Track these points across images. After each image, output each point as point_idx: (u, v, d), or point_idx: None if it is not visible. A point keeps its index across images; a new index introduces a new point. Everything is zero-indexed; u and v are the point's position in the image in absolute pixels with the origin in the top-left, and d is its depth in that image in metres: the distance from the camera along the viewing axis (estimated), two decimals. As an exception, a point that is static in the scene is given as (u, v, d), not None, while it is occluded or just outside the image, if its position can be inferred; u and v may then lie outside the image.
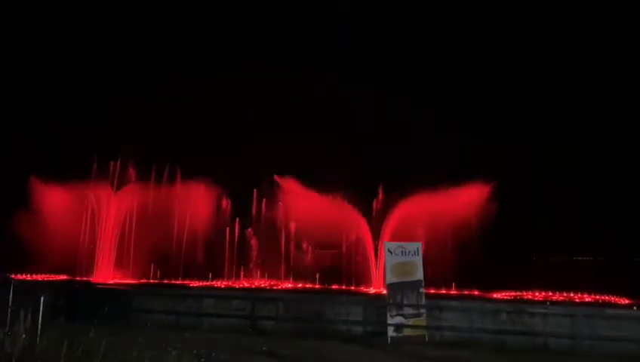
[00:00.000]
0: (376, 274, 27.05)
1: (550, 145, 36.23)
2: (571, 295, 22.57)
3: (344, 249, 28.72)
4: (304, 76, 40.23)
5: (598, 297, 21.90)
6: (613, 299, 21.35)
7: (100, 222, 29.03)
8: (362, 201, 28.91)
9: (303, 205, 29.15)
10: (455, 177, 27.31)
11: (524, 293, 22.85)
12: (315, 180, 29.30)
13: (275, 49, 44.93)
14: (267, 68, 42.31)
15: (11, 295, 8.81)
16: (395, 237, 25.81)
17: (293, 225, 29.99)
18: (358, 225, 28.44)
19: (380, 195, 29.28)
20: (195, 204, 30.38)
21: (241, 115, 37.50)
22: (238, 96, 39.38)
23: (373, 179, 29.60)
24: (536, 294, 22.70)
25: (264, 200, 31.22)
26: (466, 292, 23.72)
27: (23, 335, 5.75)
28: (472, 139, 34.66)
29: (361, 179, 29.51)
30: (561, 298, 21.77)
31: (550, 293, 22.59)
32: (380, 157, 29.33)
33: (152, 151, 30.55)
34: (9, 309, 8.15)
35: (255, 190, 31.57)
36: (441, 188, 27.08)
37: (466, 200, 26.69)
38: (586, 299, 21.45)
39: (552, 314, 13.41)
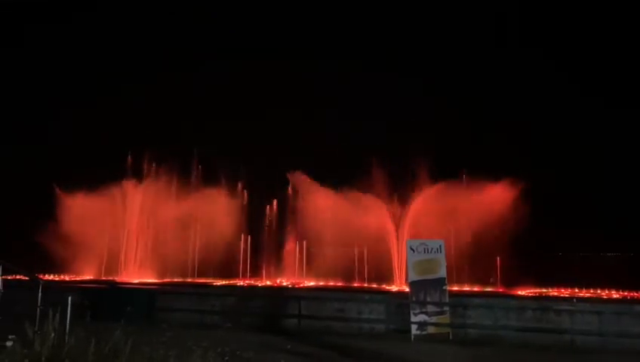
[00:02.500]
0: (398, 271, 26.96)
1: (575, 139, 35.52)
2: (598, 291, 22.19)
3: (365, 246, 28.65)
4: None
5: (626, 293, 21.49)
6: (642, 295, 20.93)
7: (124, 222, 29.51)
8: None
9: (320, 203, 29.30)
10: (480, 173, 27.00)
11: (550, 290, 22.54)
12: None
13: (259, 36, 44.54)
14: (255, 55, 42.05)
15: (40, 295, 8.98)
16: (418, 235, 25.75)
17: (313, 223, 30.09)
18: (380, 222, 28.42)
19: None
20: (215, 202, 30.74)
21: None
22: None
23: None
24: (562, 291, 22.38)
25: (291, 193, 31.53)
26: (489, 290, 23.50)
27: (52, 334, 5.85)
28: (496, 134, 34.10)
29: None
30: (587, 294, 21.42)
31: (576, 290, 22.24)
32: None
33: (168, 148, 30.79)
34: (38, 309, 8.31)
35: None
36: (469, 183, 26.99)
37: (495, 198, 26.49)
38: (614, 296, 21.06)
39: (579, 311, 13.17)
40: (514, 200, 25.51)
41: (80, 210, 29.26)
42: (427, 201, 27.86)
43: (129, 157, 30.72)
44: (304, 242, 29.79)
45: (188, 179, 31.19)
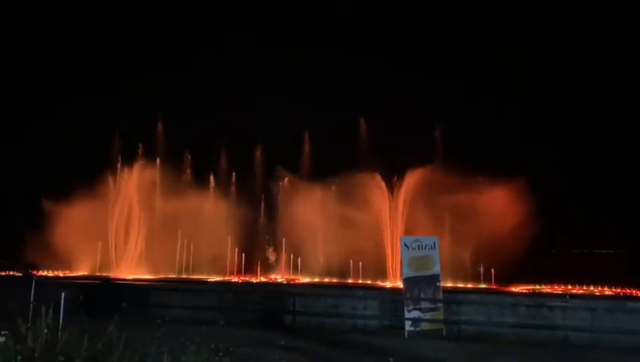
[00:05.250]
0: (392, 268, 27.03)
1: (573, 139, 35.67)
2: (591, 288, 22.33)
3: (360, 244, 28.68)
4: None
5: (618, 290, 21.64)
6: (634, 292, 21.08)
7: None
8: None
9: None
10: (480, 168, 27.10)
11: (543, 287, 22.68)
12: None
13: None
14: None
15: (33, 291, 8.94)
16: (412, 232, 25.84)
17: (307, 220, 30.10)
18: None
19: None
20: (212, 199, 30.70)
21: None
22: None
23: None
24: (555, 287, 22.52)
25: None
26: (483, 286, 23.61)
27: (45, 331, 5.82)
28: (494, 135, 34.21)
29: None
30: (580, 291, 21.57)
31: (570, 286, 22.38)
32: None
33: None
34: (31, 305, 8.26)
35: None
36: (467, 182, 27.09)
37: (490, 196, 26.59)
38: (607, 292, 21.22)
39: (572, 307, 13.25)
40: (509, 198, 25.58)
41: (77, 207, 29.23)
42: (424, 197, 27.99)
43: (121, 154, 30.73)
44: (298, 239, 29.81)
45: (180, 177, 31.13)
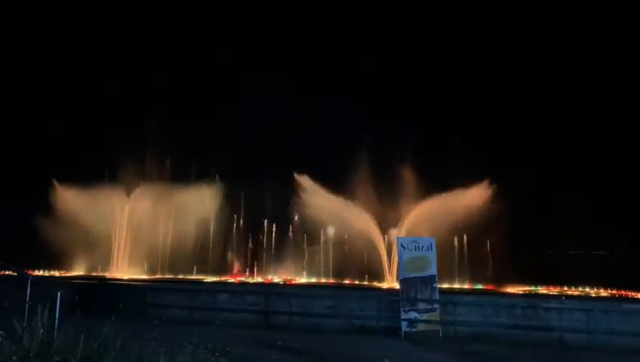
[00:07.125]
0: (389, 269, 27.06)
1: (568, 139, 35.66)
2: (587, 289, 22.40)
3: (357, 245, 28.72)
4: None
5: (614, 292, 21.72)
6: (629, 293, 21.16)
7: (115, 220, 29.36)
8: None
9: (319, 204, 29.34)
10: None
11: (539, 288, 22.73)
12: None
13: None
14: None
15: (29, 290, 8.92)
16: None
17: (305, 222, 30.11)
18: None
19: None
20: (206, 201, 30.61)
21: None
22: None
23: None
24: (551, 288, 22.58)
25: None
26: (480, 288, 23.65)
27: (41, 330, 5.81)
28: (487, 131, 34.19)
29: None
30: (576, 292, 21.64)
31: (565, 288, 22.45)
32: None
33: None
34: (27, 304, 8.24)
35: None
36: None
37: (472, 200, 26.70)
38: (602, 294, 21.29)
39: (567, 308, 13.30)
40: (503, 199, 25.64)
41: (73, 206, 29.14)
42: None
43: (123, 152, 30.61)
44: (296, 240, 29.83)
45: (180, 177, 31.02)
